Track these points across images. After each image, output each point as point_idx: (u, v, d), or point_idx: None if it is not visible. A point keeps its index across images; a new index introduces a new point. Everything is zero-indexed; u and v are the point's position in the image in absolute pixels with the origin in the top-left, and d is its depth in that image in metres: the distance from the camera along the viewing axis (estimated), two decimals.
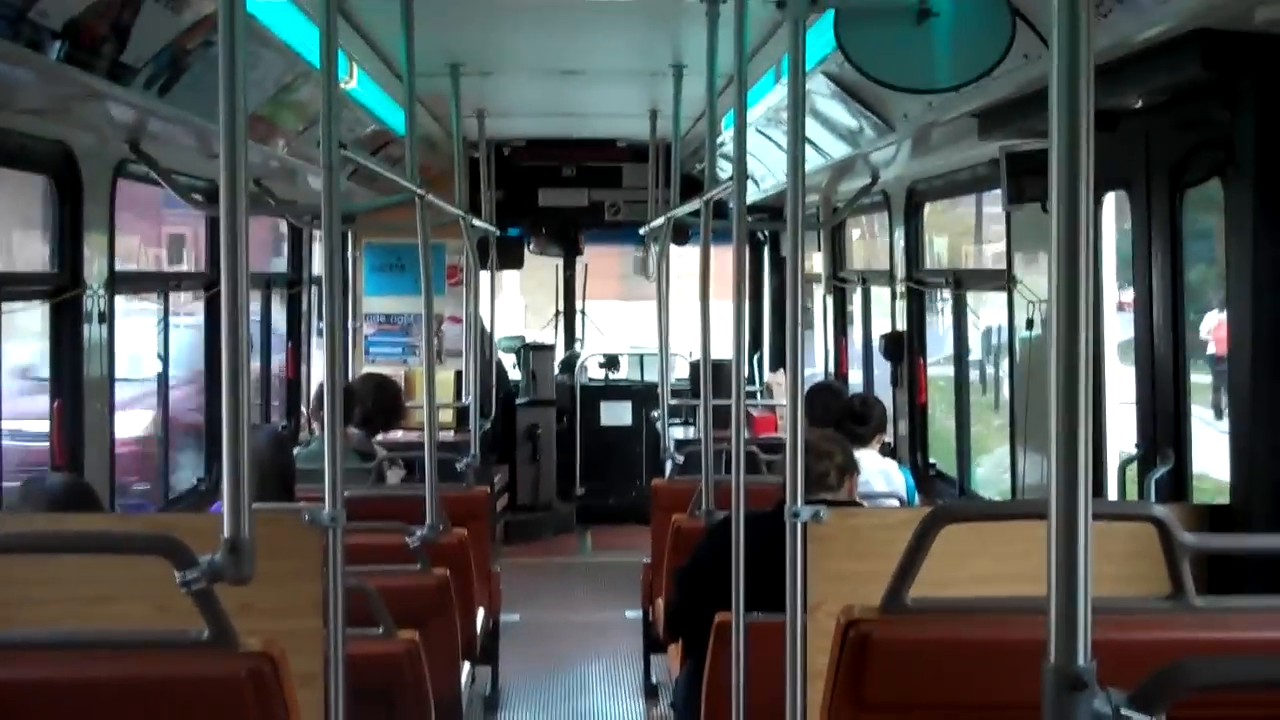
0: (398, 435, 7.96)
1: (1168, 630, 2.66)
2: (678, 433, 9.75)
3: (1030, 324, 5.50)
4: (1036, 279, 5.61)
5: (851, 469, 4.83)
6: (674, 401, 8.36)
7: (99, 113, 4.73)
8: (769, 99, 6.88)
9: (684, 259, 11.10)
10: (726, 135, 7.59)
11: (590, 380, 12.44)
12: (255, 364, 8.17)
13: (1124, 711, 1.67)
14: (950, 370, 7.39)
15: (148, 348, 6.84)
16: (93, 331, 5.21)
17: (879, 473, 6.44)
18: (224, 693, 2.52)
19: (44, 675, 2.54)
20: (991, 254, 8.75)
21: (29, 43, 3.56)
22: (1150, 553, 2.83)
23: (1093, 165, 1.63)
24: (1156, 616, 2.68)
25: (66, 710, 2.57)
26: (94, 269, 5.23)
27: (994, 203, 7.59)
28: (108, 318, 5.32)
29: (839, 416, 6.56)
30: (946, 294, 7.51)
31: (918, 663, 2.68)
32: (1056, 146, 1.63)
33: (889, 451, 7.10)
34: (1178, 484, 4.28)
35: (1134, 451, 4.53)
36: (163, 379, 6.65)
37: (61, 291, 5.08)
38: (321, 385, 7.45)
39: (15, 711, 2.53)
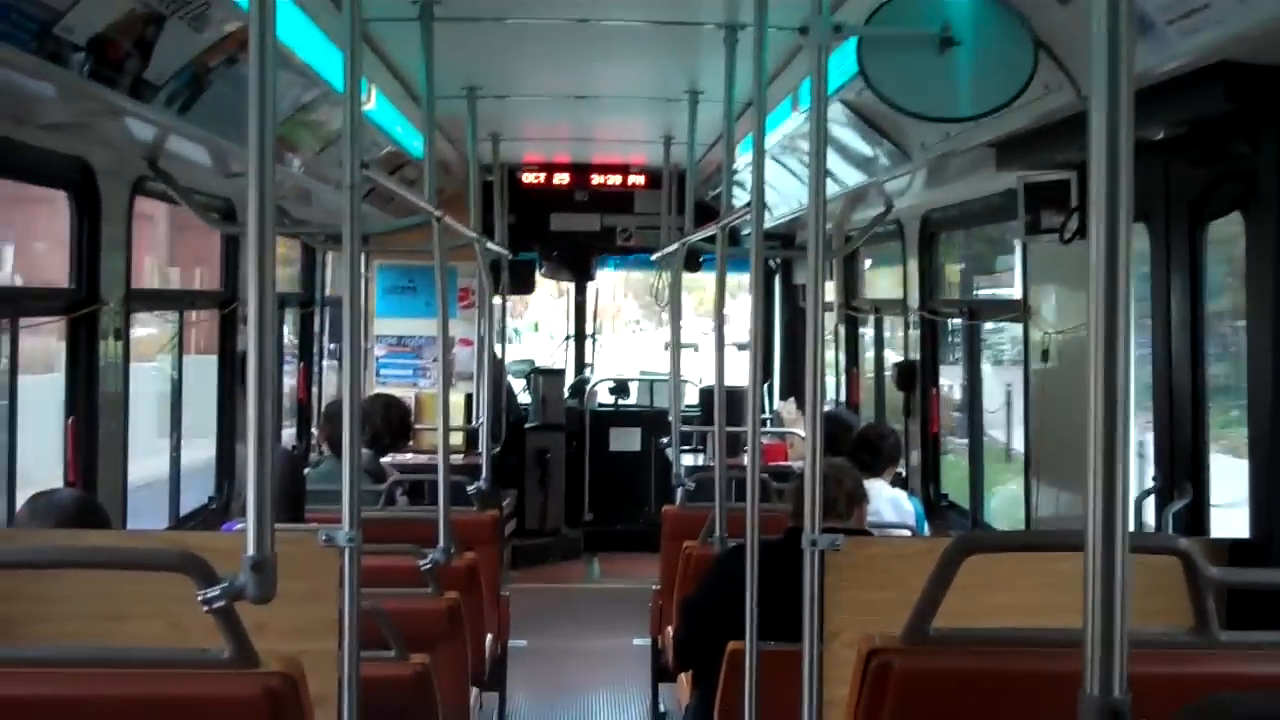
0: (406, 457, 7.96)
1: (1193, 664, 2.64)
2: (686, 460, 9.75)
3: (1046, 355, 5.49)
4: (1051, 310, 5.60)
5: (861, 498, 4.82)
6: (684, 428, 8.35)
7: (119, 129, 4.74)
8: (785, 126, 6.89)
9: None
10: (740, 162, 7.60)
11: (600, 406, 12.43)
12: None
13: None
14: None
15: None
16: (109, 348, 5.21)
17: (889, 501, 6.43)
18: (245, 712, 2.50)
19: (62, 692, 2.52)
20: None
21: (53, 57, 3.57)
22: (1167, 587, 2.82)
23: (1131, 199, 1.63)
24: (1182, 650, 2.66)
25: None
26: (111, 285, 5.24)
27: None
28: (124, 335, 5.32)
29: (853, 446, 6.56)
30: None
31: (941, 694, 2.66)
32: (1095, 178, 1.63)
33: (900, 482, 7.09)
34: (1195, 518, 4.27)
35: (1150, 484, 4.52)
36: (176, 397, 6.65)
37: (79, 307, 5.09)
38: (330, 406, 7.46)
39: None
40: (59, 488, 4.74)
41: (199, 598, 2.44)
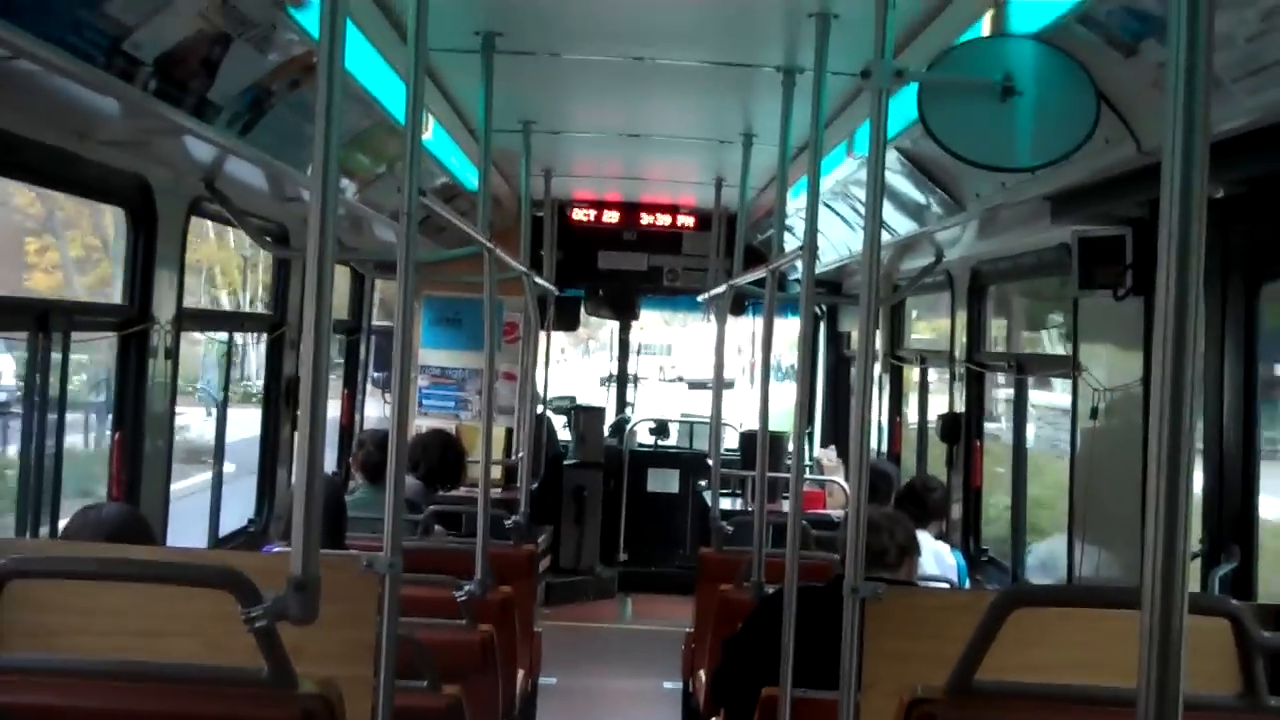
0: None
1: None
2: (724, 504, 9.72)
3: (1095, 413, 5.43)
4: (1101, 367, 5.55)
5: (912, 550, 4.75)
6: (724, 471, 8.33)
7: (179, 148, 4.78)
8: (838, 171, 6.89)
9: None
10: (791, 206, 7.60)
11: (640, 445, 12.41)
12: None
13: None
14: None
15: None
16: (157, 366, 5.24)
17: (932, 554, 6.38)
18: None
19: (103, 705, 2.53)
20: None
21: (121, 73, 3.60)
22: (1210, 649, 2.77)
23: (1202, 256, 1.61)
24: (1231, 715, 2.62)
25: None
26: (163, 304, 5.27)
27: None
28: (173, 353, 5.35)
29: (900, 498, 6.52)
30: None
31: None
32: (1167, 236, 1.61)
33: (941, 535, 7.03)
34: (1241, 582, 4.21)
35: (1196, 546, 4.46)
36: (220, 416, 6.69)
37: (130, 325, 5.12)
38: (364, 434, 7.48)
39: None
40: (108, 502, 4.77)
41: (242, 616, 2.44)
